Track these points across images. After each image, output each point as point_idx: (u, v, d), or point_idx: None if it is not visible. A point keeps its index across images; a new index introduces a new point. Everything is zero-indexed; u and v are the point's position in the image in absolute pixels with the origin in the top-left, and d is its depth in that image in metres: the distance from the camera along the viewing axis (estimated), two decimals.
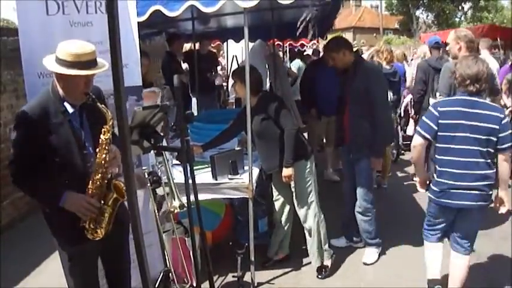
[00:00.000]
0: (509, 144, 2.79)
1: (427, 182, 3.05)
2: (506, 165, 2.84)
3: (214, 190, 3.40)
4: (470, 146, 2.79)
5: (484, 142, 2.77)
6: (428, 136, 2.87)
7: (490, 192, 2.87)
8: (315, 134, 6.11)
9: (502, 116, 2.80)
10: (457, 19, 34.49)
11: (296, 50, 11.14)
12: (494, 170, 2.86)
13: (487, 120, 2.76)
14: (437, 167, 2.93)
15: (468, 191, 2.82)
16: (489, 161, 2.82)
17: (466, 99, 2.82)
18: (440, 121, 2.83)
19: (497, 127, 2.75)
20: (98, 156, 2.26)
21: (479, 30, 9.90)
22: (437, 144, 2.93)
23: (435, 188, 2.93)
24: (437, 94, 3.80)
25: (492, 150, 2.81)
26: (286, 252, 3.83)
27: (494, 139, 2.77)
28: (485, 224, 4.29)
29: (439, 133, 2.86)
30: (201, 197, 2.91)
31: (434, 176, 2.95)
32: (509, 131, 2.78)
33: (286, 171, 3.38)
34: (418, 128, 2.95)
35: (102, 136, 2.25)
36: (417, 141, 2.92)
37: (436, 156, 2.94)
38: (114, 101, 1.23)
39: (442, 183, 2.88)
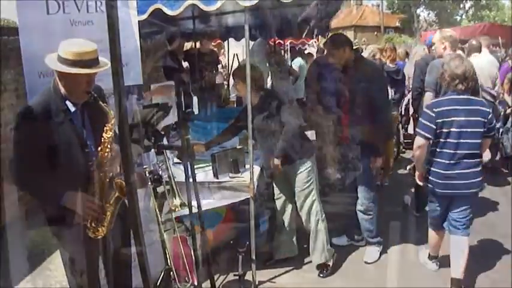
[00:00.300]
0: (494, 131, 3.34)
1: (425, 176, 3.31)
2: (488, 144, 3.33)
3: (215, 189, 3.39)
4: (462, 139, 3.06)
5: (476, 135, 3.07)
6: (429, 136, 3.12)
7: (480, 179, 3.14)
8: (322, 131, 6.05)
9: (490, 110, 3.14)
10: (458, 17, 34.55)
11: (297, 48, 11.11)
12: (481, 159, 3.17)
13: (478, 115, 3.06)
14: (433, 159, 3.19)
15: (460, 179, 3.09)
16: (478, 151, 3.12)
17: (457, 98, 3.09)
18: (437, 120, 3.07)
19: (486, 120, 3.07)
20: (100, 154, 2.26)
21: (480, 29, 9.91)
22: (433, 139, 3.15)
23: (431, 178, 3.22)
24: (425, 90, 4.03)
25: (480, 141, 3.10)
26: (292, 253, 3.78)
27: (482, 130, 3.08)
28: (486, 224, 4.31)
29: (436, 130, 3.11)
30: (203, 202, 2.94)
31: (430, 167, 3.22)
32: (494, 121, 3.24)
33: (275, 161, 3.39)
34: (418, 130, 3.18)
35: (104, 134, 2.24)
36: (420, 142, 3.16)
37: (432, 149, 3.20)
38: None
39: (437, 172, 3.17)
